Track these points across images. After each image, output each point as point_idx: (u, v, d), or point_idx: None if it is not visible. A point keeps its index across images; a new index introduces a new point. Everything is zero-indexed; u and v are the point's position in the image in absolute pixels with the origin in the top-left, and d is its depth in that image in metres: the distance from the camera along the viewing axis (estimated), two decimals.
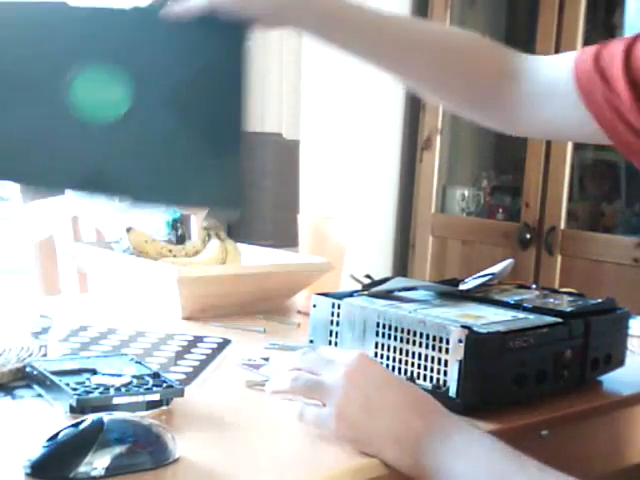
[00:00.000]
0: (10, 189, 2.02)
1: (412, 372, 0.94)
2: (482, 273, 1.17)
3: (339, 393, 0.80)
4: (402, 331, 0.95)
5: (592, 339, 1.02)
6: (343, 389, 0.80)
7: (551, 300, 1.11)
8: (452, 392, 0.90)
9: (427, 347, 0.93)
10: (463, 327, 0.91)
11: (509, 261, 1.22)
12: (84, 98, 0.85)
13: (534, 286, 1.21)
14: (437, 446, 0.76)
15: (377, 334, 0.98)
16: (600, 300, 1.09)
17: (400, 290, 1.10)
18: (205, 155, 0.88)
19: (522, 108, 1.01)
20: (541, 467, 0.75)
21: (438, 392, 0.91)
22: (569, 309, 1.04)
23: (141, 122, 0.86)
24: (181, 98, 0.86)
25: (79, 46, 0.86)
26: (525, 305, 1.05)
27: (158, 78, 0.87)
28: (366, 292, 1.08)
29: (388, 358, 0.97)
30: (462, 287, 1.14)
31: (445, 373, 0.91)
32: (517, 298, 1.09)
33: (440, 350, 0.92)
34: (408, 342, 0.95)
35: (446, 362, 0.91)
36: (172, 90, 0.86)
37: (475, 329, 0.91)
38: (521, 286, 1.21)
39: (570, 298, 1.13)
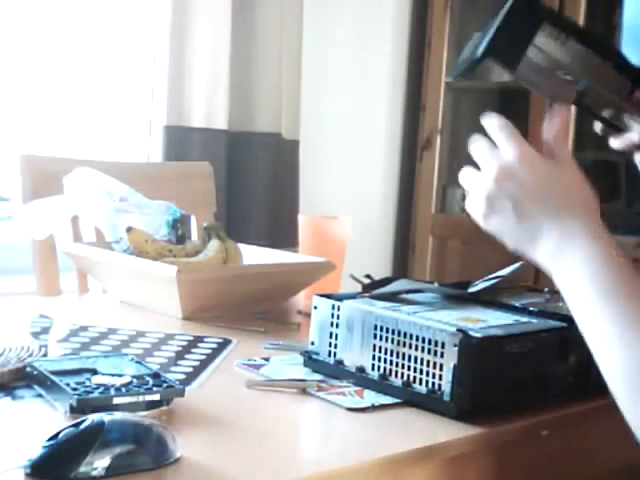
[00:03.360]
0: (10, 189, 2.02)
1: (409, 376, 0.94)
2: (491, 276, 1.17)
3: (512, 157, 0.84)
4: (399, 334, 0.95)
5: None
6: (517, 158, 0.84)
7: (559, 304, 1.09)
8: (446, 396, 0.90)
9: (423, 351, 0.93)
10: (458, 331, 0.90)
11: (519, 263, 1.21)
12: None
13: (546, 289, 1.19)
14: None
15: (375, 337, 0.98)
16: None
17: (406, 292, 1.10)
18: None
19: None
20: None
21: (433, 396, 0.91)
22: None
23: None
24: None
25: None
26: (531, 309, 1.05)
27: None
28: (367, 294, 1.08)
29: (385, 361, 0.96)
30: (471, 290, 1.13)
31: (441, 377, 0.91)
32: (525, 301, 1.09)
33: (436, 354, 0.91)
34: (405, 345, 0.95)
35: (441, 366, 0.91)
36: None
37: (471, 333, 0.90)
38: (533, 289, 1.20)
39: None
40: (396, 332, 0.95)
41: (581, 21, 2.63)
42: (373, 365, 0.98)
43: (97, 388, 0.84)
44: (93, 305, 1.53)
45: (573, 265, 0.81)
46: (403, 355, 0.95)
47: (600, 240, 0.82)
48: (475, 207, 0.85)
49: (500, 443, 0.91)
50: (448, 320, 0.96)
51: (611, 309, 0.78)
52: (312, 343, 1.05)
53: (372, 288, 1.11)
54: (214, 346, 1.16)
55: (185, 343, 1.17)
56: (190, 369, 1.04)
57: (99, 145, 2.26)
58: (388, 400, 0.94)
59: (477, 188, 0.85)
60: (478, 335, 0.90)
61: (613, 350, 0.77)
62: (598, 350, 0.79)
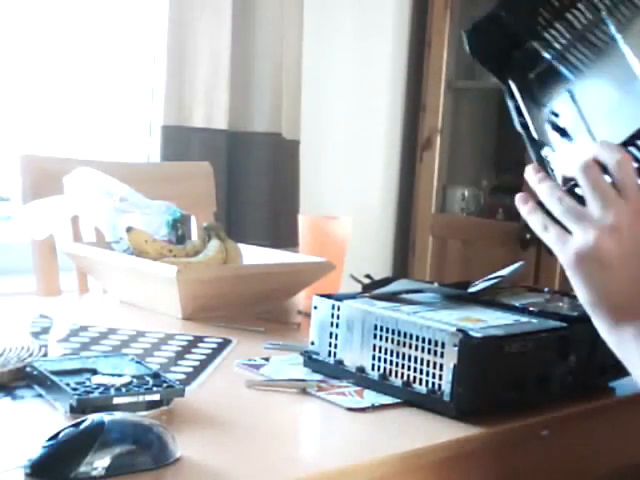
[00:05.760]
0: (10, 189, 2.02)
1: (409, 376, 0.94)
2: (491, 276, 1.17)
3: (593, 239, 0.76)
4: (399, 334, 0.95)
5: (600, 344, 1.00)
6: (600, 240, 0.76)
7: (559, 304, 1.09)
8: (446, 396, 0.90)
9: (423, 351, 0.93)
10: (458, 331, 0.90)
11: (520, 263, 1.21)
12: None
13: (546, 289, 1.19)
14: None
15: (375, 337, 0.98)
16: None
17: (406, 292, 1.10)
18: None
19: None
20: None
21: (433, 396, 0.91)
22: (575, 313, 1.02)
23: None
24: None
25: None
26: (531, 309, 1.04)
27: None
28: (367, 294, 1.08)
29: (385, 361, 0.96)
30: (471, 290, 1.13)
31: (441, 377, 0.91)
32: (525, 301, 1.09)
33: (436, 354, 0.91)
34: (405, 345, 0.94)
35: (441, 366, 0.91)
36: None
37: (471, 333, 0.90)
38: (533, 289, 1.20)
39: None
40: (396, 332, 0.95)
41: None
42: (373, 365, 0.98)
43: (97, 388, 0.84)
44: (93, 305, 1.53)
45: None
46: (403, 355, 0.95)
47: None
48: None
49: (500, 443, 0.91)
50: (448, 320, 0.96)
51: None
52: (312, 343, 1.05)
53: (372, 288, 1.11)
54: (214, 346, 1.16)
55: (185, 343, 1.17)
56: (190, 369, 1.04)
57: (99, 145, 2.26)
58: (388, 400, 0.94)
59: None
60: (478, 335, 0.90)
61: None
62: None
